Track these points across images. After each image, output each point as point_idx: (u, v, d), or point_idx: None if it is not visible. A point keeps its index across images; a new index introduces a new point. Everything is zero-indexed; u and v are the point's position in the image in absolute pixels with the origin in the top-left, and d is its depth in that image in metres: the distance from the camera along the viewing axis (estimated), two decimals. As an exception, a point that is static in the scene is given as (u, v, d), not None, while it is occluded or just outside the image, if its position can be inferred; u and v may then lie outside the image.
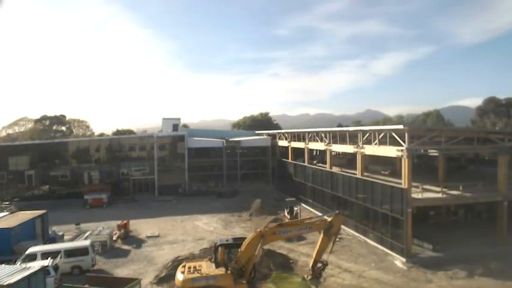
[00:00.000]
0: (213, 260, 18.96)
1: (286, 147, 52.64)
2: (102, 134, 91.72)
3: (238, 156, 57.46)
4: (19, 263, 20.52)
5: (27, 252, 22.83)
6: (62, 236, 31.19)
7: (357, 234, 31.33)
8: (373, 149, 30.19)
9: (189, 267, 18.52)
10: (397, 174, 33.21)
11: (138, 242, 30.89)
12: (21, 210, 34.30)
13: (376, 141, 29.61)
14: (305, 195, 43.51)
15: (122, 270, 24.52)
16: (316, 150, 47.90)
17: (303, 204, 42.39)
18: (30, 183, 50.98)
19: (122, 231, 31.81)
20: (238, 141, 57.95)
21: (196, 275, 17.62)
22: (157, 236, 32.50)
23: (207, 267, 18.34)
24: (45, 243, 27.00)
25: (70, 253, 23.82)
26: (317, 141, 41.81)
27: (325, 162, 41.46)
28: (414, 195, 26.04)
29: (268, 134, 62.08)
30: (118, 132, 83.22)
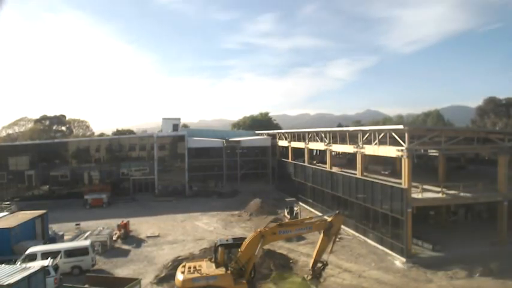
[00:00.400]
0: (213, 260, 18.95)
1: (286, 147, 52.65)
2: (102, 134, 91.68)
3: (238, 156, 57.47)
4: (19, 263, 20.52)
5: (27, 252, 22.82)
6: (62, 236, 31.19)
7: (357, 234, 31.33)
8: (373, 149, 30.19)
9: (189, 267, 18.51)
10: (397, 174, 33.20)
11: (138, 242, 30.89)
12: (21, 210, 34.33)
13: (376, 141, 29.61)
14: (305, 195, 43.51)
15: (122, 270, 24.52)
16: (316, 150, 47.89)
17: (303, 204, 42.38)
18: (30, 183, 50.98)
19: (122, 231, 31.81)
20: (238, 141, 57.95)
21: (196, 275, 17.61)
22: (157, 236, 32.50)
23: (207, 267, 18.33)
24: (45, 243, 26.98)
25: (70, 253, 23.81)
26: (317, 141, 41.81)
27: (325, 162, 41.46)
28: (414, 195, 26.03)
29: (268, 134, 62.08)
30: (118, 132, 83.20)
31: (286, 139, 53.02)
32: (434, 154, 38.29)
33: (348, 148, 34.48)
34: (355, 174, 32.76)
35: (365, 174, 32.53)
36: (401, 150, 26.03)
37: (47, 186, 51.44)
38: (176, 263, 23.27)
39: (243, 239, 19.03)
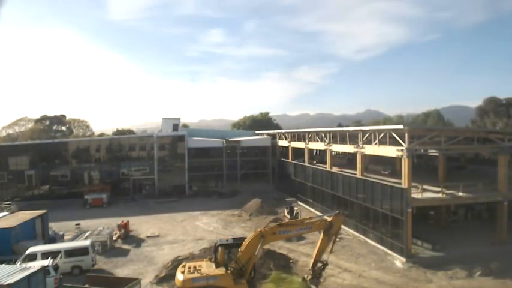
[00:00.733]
0: (213, 260, 18.94)
1: (286, 147, 52.66)
2: (102, 134, 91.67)
3: (238, 156, 57.48)
4: (19, 263, 20.53)
5: (27, 252, 22.82)
6: (62, 236, 31.20)
7: (357, 234, 31.33)
8: (373, 149, 30.19)
9: (189, 267, 18.51)
10: (397, 174, 33.21)
11: (138, 242, 30.90)
12: (21, 210, 34.33)
13: (376, 141, 29.61)
14: (305, 195, 43.51)
15: (122, 270, 24.52)
16: (316, 150, 47.89)
17: (303, 204, 42.37)
18: (30, 183, 50.97)
19: (122, 231, 31.82)
20: (238, 141, 57.95)
21: (196, 275, 17.61)
22: (157, 236, 32.51)
23: (207, 267, 18.33)
24: (45, 243, 26.98)
25: (70, 253, 23.82)
26: (317, 141, 41.82)
27: (325, 162, 41.47)
28: (414, 195, 26.04)
29: (268, 134, 62.08)
30: (118, 132, 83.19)
31: (286, 139, 53.03)
32: (434, 154, 38.27)
33: (348, 148, 34.48)
34: (355, 174, 32.76)
35: (365, 174, 32.53)
36: (401, 150, 26.03)
37: (47, 186, 51.43)
38: (176, 263, 23.26)
39: (243, 239, 19.03)
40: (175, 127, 56.26)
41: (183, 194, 52.33)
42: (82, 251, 24.17)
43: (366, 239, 30.06)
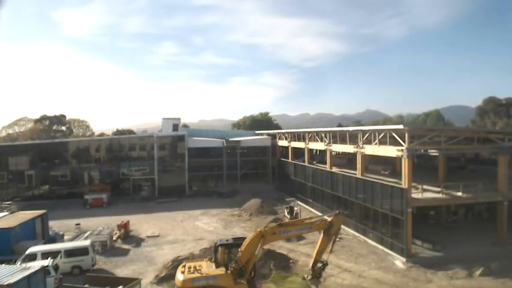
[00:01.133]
0: (213, 260, 18.94)
1: (286, 147, 52.66)
2: (102, 134, 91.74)
3: (238, 156, 57.46)
4: (19, 263, 20.53)
5: (27, 252, 22.81)
6: (62, 235, 31.20)
7: (357, 234, 31.33)
8: (373, 149, 30.19)
9: (189, 267, 18.50)
10: (397, 174, 33.20)
11: (138, 242, 30.90)
12: (21, 210, 34.33)
13: (376, 141, 29.61)
14: (305, 195, 43.51)
15: (122, 270, 24.52)
16: (316, 150, 47.89)
17: (303, 204, 42.37)
18: (30, 183, 50.94)
19: (122, 231, 31.81)
20: (238, 141, 57.94)
21: (196, 275, 17.61)
22: (157, 236, 32.51)
23: (207, 267, 18.32)
24: (45, 243, 26.97)
25: (70, 253, 23.82)
26: (317, 141, 41.82)
27: (325, 162, 41.47)
28: (414, 195, 26.05)
29: (268, 134, 62.08)
30: (118, 132, 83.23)
31: (286, 139, 53.03)
32: (434, 154, 38.29)
33: (348, 148, 34.48)
34: (355, 174, 32.77)
35: (365, 174, 32.53)
36: (402, 150, 26.03)
37: (47, 186, 51.42)
38: (176, 262, 23.27)
39: (243, 239, 19.01)
40: (175, 127, 56.24)
41: (183, 194, 52.31)
42: (82, 251, 24.17)
43: (366, 239, 30.06)
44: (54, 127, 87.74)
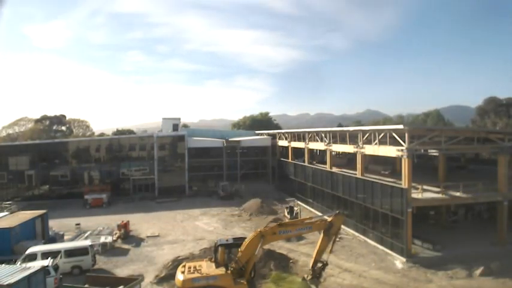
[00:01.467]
0: (213, 260, 18.94)
1: (286, 147, 52.66)
2: (102, 134, 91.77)
3: (238, 156, 57.45)
4: (19, 263, 20.54)
5: (27, 252, 22.81)
6: (62, 235, 31.20)
7: (357, 234, 31.33)
8: (373, 149, 30.19)
9: (189, 267, 18.50)
10: (397, 174, 33.20)
11: (138, 242, 30.89)
12: (22, 210, 34.32)
13: (376, 141, 29.61)
14: (305, 195, 43.51)
15: (122, 270, 24.50)
16: (316, 150, 47.90)
17: (303, 204, 42.38)
18: (30, 183, 50.94)
19: (122, 231, 31.80)
20: (238, 141, 57.94)
21: (196, 275, 17.60)
22: (157, 236, 32.50)
23: (207, 267, 18.32)
24: (45, 243, 26.97)
25: (70, 253, 23.80)
26: (317, 141, 41.82)
27: (325, 162, 41.47)
28: (414, 195, 26.05)
29: (268, 134, 62.09)
30: (118, 132, 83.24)
31: (286, 139, 53.03)
32: (434, 154, 38.29)
33: (348, 148, 34.48)
34: (355, 174, 32.76)
35: (365, 174, 32.52)
36: (402, 150, 26.03)
37: (47, 186, 51.43)
38: (176, 263, 23.25)
39: (243, 239, 19.02)
40: (175, 127, 56.24)
41: (183, 194, 52.32)
42: (82, 251, 24.16)
43: (366, 239, 30.06)
44: (54, 127, 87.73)
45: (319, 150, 45.96)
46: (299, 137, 48.84)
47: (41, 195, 50.06)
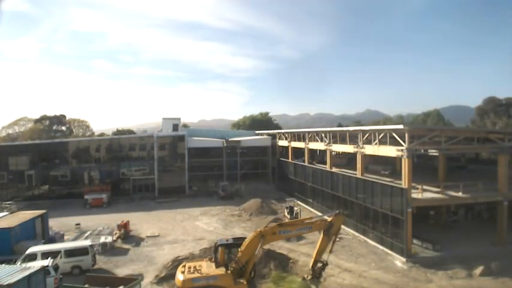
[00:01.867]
0: (213, 260, 18.96)
1: (286, 147, 52.66)
2: (102, 134, 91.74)
3: (238, 156, 57.47)
4: (19, 263, 20.55)
5: (27, 252, 22.81)
6: (62, 235, 31.20)
7: (357, 234, 31.33)
8: (373, 149, 30.19)
9: (189, 267, 18.51)
10: (397, 174, 33.20)
11: (138, 242, 30.89)
12: (22, 210, 34.32)
13: (376, 141, 29.61)
14: (305, 195, 43.51)
15: (122, 270, 24.50)
16: (316, 150, 47.91)
17: (303, 204, 42.38)
18: (30, 183, 50.96)
19: (122, 231, 31.79)
20: (238, 141, 57.94)
21: (196, 275, 17.62)
22: (157, 236, 32.50)
23: (207, 267, 18.34)
24: (45, 243, 26.98)
25: (70, 253, 23.81)
26: (317, 141, 41.82)
27: (325, 162, 41.47)
28: (414, 195, 26.04)
29: (268, 134, 62.09)
30: (118, 132, 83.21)
31: (286, 139, 53.03)
32: (434, 154, 38.30)
33: (348, 148, 34.48)
34: (355, 174, 32.76)
35: (365, 174, 32.52)
36: (402, 150, 26.03)
37: (47, 186, 51.44)
38: (176, 262, 23.25)
39: (243, 239, 19.03)
40: (175, 127, 56.22)
41: (183, 194, 52.32)
42: (82, 251, 24.16)
43: (366, 239, 30.06)
44: (54, 127, 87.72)
45: (319, 150, 45.96)
46: (299, 137, 48.84)
47: (41, 195, 50.08)
